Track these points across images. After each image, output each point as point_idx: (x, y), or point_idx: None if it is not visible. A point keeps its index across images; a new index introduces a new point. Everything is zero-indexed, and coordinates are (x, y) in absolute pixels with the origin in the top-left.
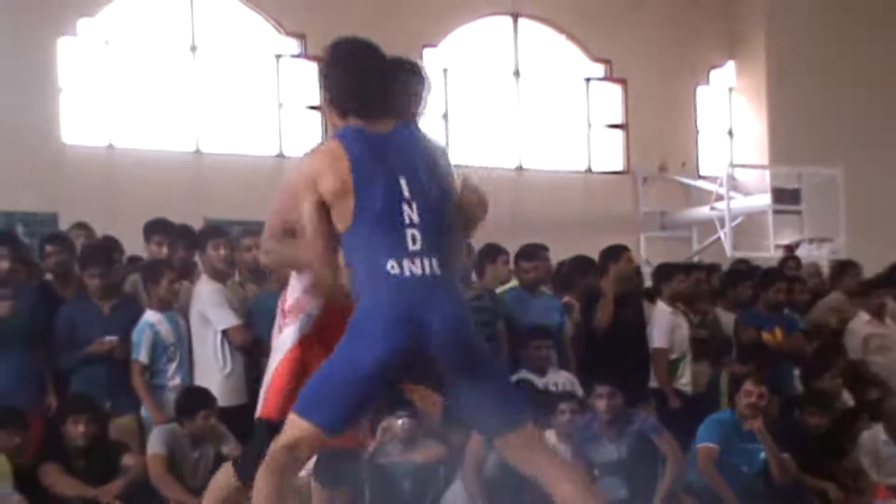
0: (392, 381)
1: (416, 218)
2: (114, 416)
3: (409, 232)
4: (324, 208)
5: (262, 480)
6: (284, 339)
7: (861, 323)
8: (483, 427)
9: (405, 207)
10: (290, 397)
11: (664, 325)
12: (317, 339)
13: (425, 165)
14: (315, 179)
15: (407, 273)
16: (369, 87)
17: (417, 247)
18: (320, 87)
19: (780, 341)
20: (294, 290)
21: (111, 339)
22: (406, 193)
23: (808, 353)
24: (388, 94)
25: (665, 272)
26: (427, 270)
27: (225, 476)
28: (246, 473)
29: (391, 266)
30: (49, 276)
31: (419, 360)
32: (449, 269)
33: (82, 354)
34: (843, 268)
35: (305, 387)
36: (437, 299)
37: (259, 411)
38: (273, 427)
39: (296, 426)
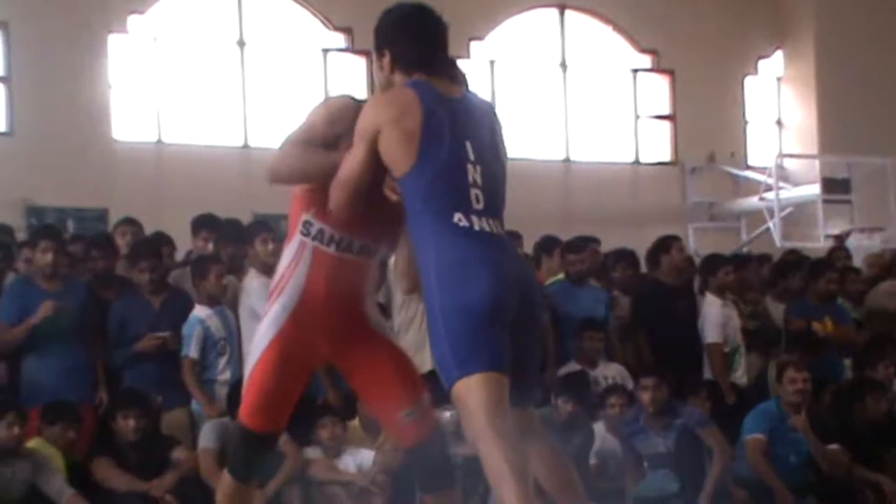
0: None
1: (479, 180)
2: (165, 410)
3: (473, 192)
4: (375, 154)
5: (493, 456)
6: (262, 331)
7: None
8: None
9: (469, 167)
10: (265, 401)
11: (716, 318)
12: (298, 328)
13: (490, 134)
14: (379, 123)
15: (476, 227)
16: (437, 46)
17: (481, 206)
18: (379, 44)
19: (830, 331)
20: (277, 270)
21: (163, 333)
22: (471, 155)
23: (860, 343)
24: (449, 56)
25: (712, 264)
26: (494, 230)
27: (226, 478)
28: (235, 473)
29: (458, 218)
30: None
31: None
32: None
33: (134, 350)
34: None
35: (440, 356)
36: (510, 258)
37: (241, 413)
38: (252, 433)
39: (471, 389)
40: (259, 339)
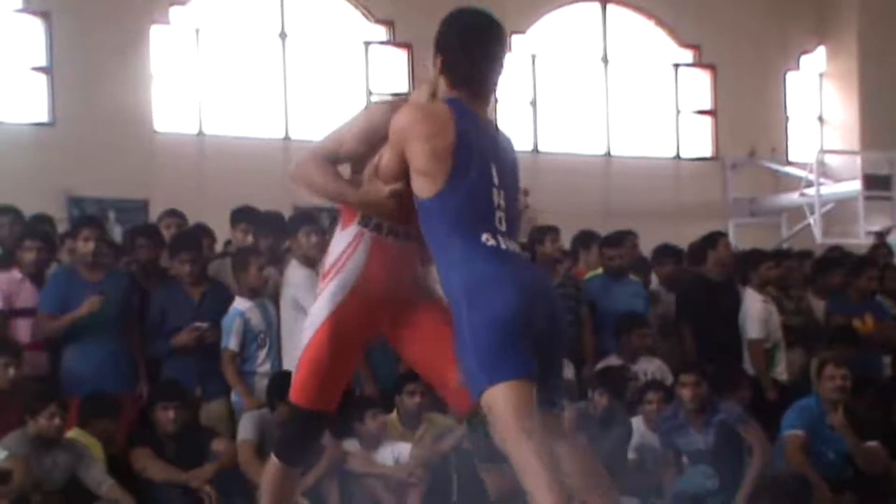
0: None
1: (503, 203)
2: (204, 401)
3: (498, 214)
4: (402, 165)
5: (524, 455)
6: (318, 308)
7: None
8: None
9: (494, 191)
10: (317, 377)
11: (757, 314)
12: (359, 300)
13: (510, 161)
14: (410, 136)
15: (503, 247)
16: (489, 70)
17: (504, 228)
18: (438, 47)
19: (871, 328)
20: (332, 253)
21: (201, 325)
22: (496, 180)
23: None
24: (497, 79)
25: (753, 259)
26: (517, 250)
27: (272, 464)
28: (284, 457)
29: (486, 238)
30: (135, 268)
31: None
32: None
33: (172, 343)
34: None
35: (467, 370)
36: (534, 275)
37: (291, 394)
38: (303, 412)
39: (499, 396)
40: (314, 316)
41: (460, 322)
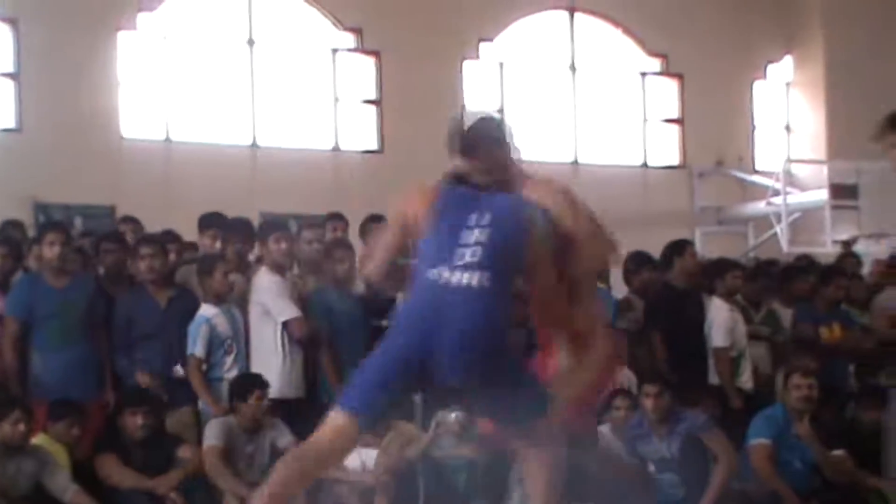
0: (414, 378)
1: (482, 239)
2: (171, 408)
3: (467, 250)
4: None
5: (283, 468)
6: None
7: None
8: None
9: (466, 231)
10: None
11: (723, 322)
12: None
13: (505, 209)
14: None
15: (442, 281)
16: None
17: (470, 261)
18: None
19: (837, 337)
20: None
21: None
22: (472, 222)
23: (865, 349)
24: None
25: (719, 268)
26: (468, 282)
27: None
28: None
29: (433, 273)
30: (102, 273)
31: (431, 359)
32: (502, 287)
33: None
34: None
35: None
36: (461, 308)
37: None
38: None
39: (329, 419)
40: None
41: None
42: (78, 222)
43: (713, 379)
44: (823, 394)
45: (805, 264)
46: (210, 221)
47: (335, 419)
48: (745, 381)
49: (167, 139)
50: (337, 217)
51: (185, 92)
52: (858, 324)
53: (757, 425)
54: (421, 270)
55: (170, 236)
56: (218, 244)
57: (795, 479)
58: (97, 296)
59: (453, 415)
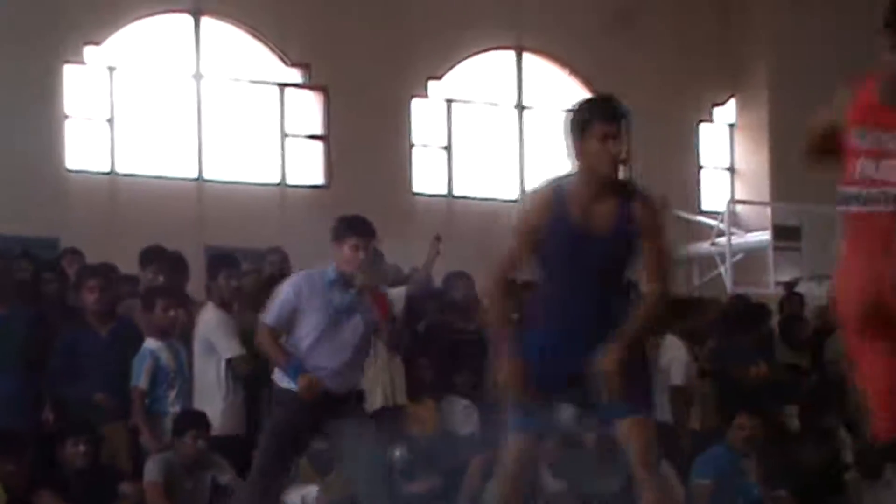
0: None
1: None
2: (106, 423)
3: None
4: None
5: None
6: None
7: None
8: None
9: None
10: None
11: (684, 360)
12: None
13: None
14: None
15: None
16: None
17: None
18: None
19: (764, 374)
20: None
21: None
22: None
23: (807, 390)
24: None
25: (679, 308)
26: None
27: None
28: None
29: None
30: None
31: None
32: None
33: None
34: None
35: None
36: None
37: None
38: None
39: None
40: None
41: None
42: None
43: (665, 417)
44: (768, 433)
45: (740, 304)
46: (151, 256)
47: None
48: (693, 420)
49: (112, 172)
50: (276, 251)
51: (132, 125)
52: (785, 363)
53: (699, 465)
54: None
55: (109, 269)
56: (160, 278)
57: None
58: (35, 327)
59: (396, 452)
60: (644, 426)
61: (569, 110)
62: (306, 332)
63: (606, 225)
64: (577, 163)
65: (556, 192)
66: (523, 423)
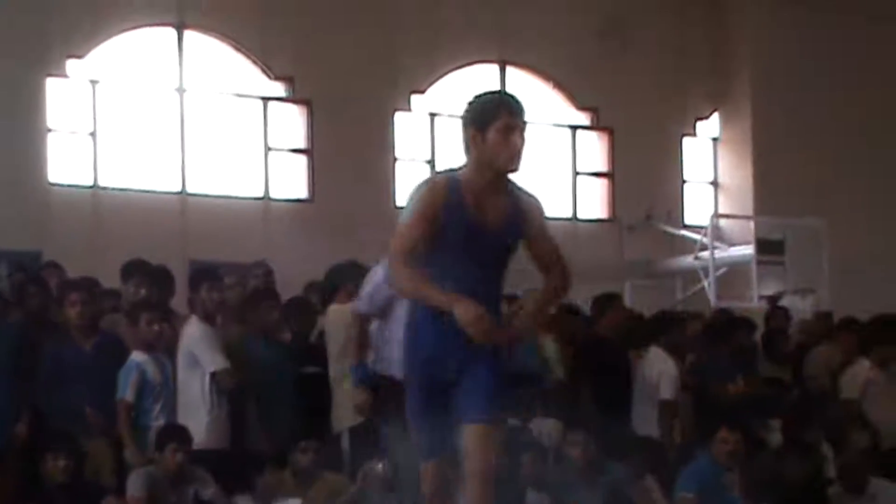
0: None
1: None
2: (90, 438)
3: None
4: None
5: None
6: None
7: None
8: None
9: None
10: None
11: (673, 374)
12: None
13: None
14: None
15: None
16: None
17: None
18: None
19: (742, 390)
20: None
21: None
22: None
23: (790, 404)
24: None
25: (667, 321)
26: None
27: None
28: None
29: None
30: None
31: None
32: None
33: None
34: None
35: None
36: None
37: None
38: None
39: None
40: None
41: None
42: (3, 268)
43: (649, 430)
44: (749, 447)
45: (724, 319)
46: (133, 269)
47: None
48: (676, 434)
49: (95, 185)
50: (260, 265)
51: (115, 138)
52: (764, 376)
53: (683, 479)
54: None
55: (91, 283)
56: (142, 292)
57: None
58: (21, 340)
59: (379, 465)
60: (486, 432)
61: (470, 101)
62: None
63: (498, 220)
64: (473, 154)
65: (450, 184)
66: (431, 448)
